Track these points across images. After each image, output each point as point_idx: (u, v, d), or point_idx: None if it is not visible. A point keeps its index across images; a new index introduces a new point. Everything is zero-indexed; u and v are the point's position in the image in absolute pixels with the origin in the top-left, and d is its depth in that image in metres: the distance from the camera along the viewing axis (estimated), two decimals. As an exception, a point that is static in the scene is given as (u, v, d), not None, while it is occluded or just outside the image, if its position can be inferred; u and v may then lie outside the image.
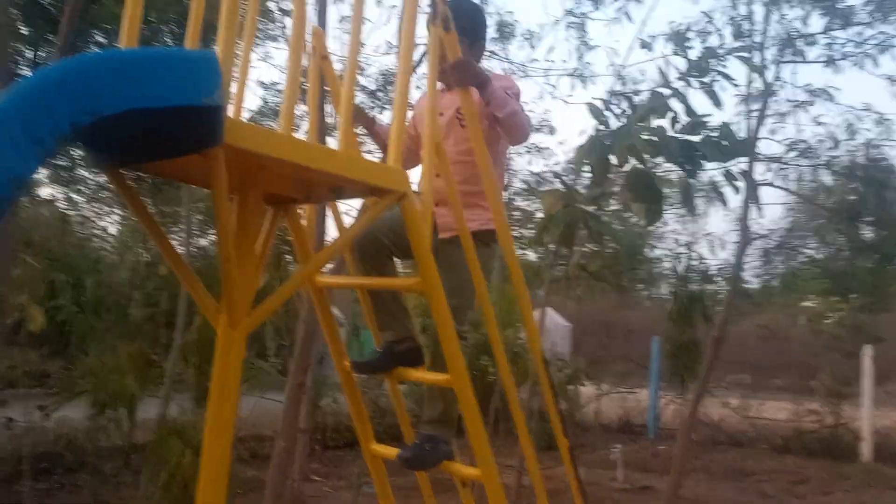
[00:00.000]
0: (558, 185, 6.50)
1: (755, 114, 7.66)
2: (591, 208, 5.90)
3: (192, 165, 1.88)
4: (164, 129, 1.62)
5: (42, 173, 10.53)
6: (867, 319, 12.27)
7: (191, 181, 2.19)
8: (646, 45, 7.13)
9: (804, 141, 8.47)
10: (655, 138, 5.60)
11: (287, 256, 10.21)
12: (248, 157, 1.83)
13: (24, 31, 9.90)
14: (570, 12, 8.18)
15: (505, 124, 2.76)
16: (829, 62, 8.29)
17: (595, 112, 5.54)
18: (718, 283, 12.85)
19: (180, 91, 1.59)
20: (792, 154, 8.40)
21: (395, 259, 2.91)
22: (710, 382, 8.23)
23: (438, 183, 2.51)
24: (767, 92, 7.78)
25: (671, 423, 12.58)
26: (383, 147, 3.09)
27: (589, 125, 10.82)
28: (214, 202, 1.82)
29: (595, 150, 5.31)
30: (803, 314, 18.61)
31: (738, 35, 7.53)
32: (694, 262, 13.15)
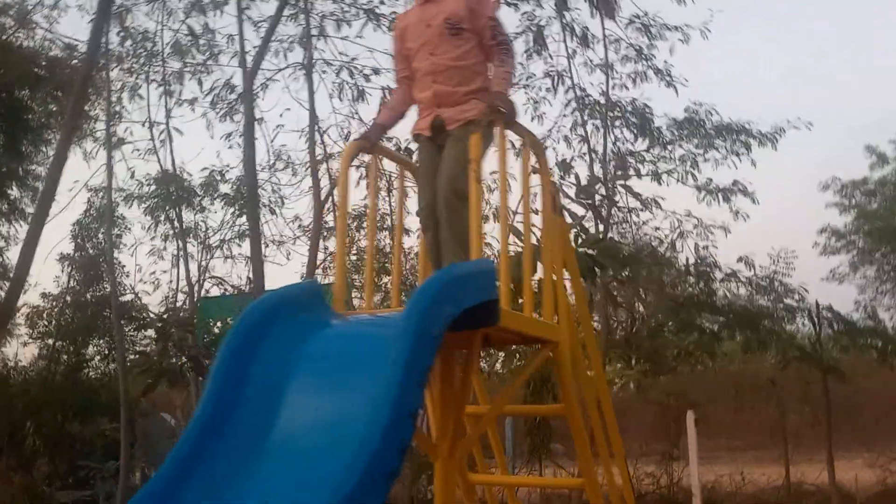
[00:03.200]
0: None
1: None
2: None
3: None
4: (477, 314, 2.23)
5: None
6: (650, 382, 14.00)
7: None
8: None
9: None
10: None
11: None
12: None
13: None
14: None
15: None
16: (655, 176, 9.97)
17: (515, 232, 6.44)
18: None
19: (488, 290, 2.23)
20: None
21: None
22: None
23: (438, 87, 3.07)
24: (611, 202, 9.25)
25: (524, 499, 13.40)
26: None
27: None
28: (471, 363, 2.42)
29: (514, 269, 6.17)
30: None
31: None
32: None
